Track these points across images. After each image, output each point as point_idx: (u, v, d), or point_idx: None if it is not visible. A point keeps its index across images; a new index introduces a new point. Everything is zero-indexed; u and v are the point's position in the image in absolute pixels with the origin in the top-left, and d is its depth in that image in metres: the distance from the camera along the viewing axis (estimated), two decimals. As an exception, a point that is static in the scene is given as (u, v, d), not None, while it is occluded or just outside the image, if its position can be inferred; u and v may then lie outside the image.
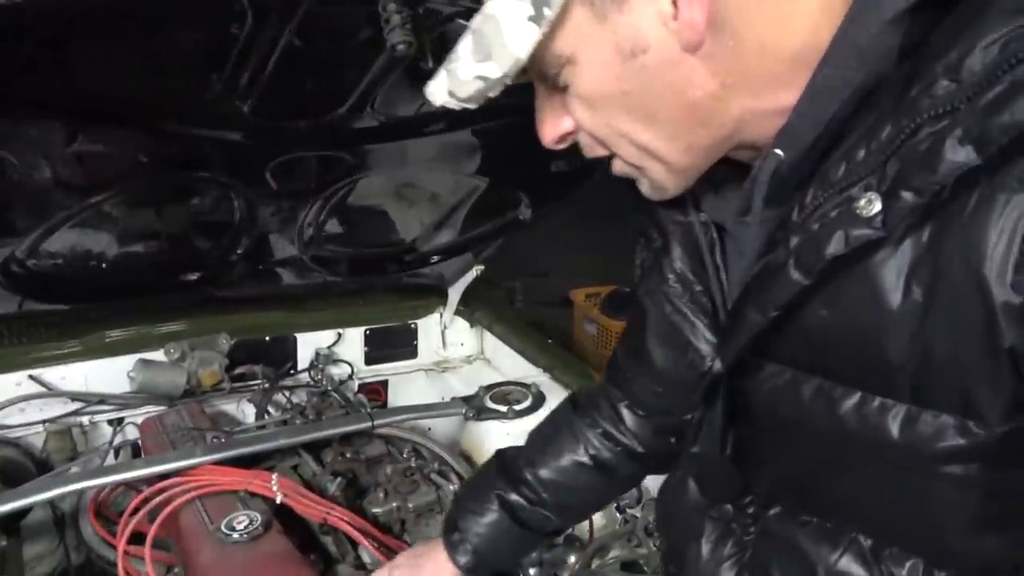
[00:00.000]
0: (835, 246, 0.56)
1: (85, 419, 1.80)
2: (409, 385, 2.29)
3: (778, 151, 0.61)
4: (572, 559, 1.62)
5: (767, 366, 0.69)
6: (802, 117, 0.60)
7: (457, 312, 2.29)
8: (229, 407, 1.93)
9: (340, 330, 2.13)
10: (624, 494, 1.23)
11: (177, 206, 1.51)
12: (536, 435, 1.18)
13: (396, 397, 2.29)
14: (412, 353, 2.27)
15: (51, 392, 1.76)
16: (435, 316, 2.29)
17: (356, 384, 2.18)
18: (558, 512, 1.12)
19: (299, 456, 1.69)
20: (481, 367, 2.30)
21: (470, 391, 1.96)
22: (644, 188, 0.72)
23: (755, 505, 0.77)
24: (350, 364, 2.15)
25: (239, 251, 1.72)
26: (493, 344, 2.27)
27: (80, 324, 1.83)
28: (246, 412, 1.92)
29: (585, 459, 1.09)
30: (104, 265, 1.56)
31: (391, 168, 1.64)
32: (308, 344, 2.09)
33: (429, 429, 2.03)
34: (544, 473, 1.11)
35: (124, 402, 1.83)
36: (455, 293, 2.25)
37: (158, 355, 1.88)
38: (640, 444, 1.07)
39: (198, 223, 1.58)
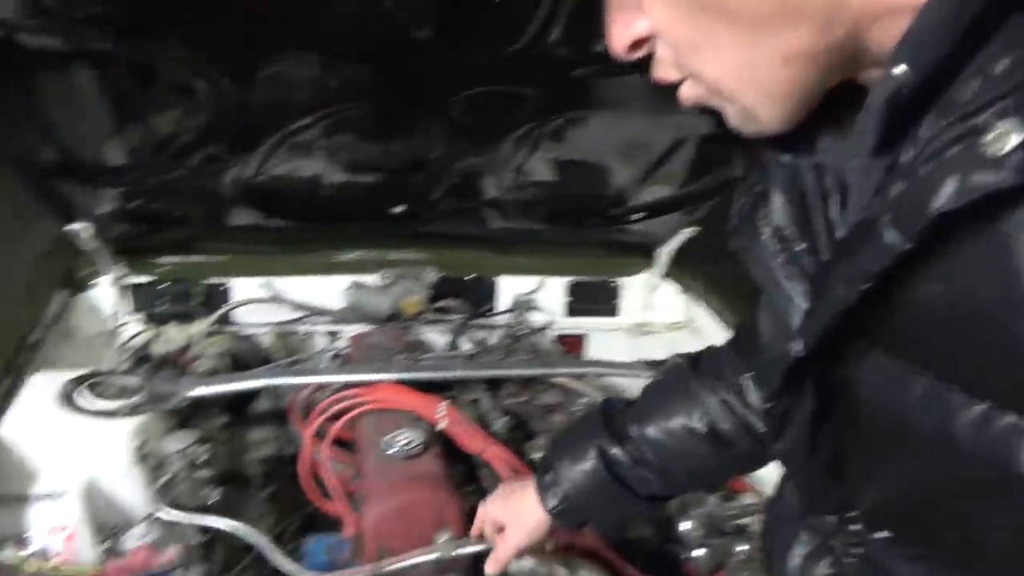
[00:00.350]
0: (944, 198, 0.41)
1: (304, 327, 2.00)
2: (609, 343, 2.25)
3: (897, 69, 0.45)
4: (740, 549, 1.50)
5: (870, 353, 0.54)
6: (931, 19, 0.44)
7: (668, 275, 2.19)
8: (426, 336, 2.03)
9: (541, 278, 2.13)
10: (749, 472, 1.09)
11: (377, 137, 1.59)
12: (650, 390, 1.10)
13: (595, 353, 2.26)
14: (612, 311, 2.22)
15: (280, 299, 1.98)
16: (641, 277, 2.21)
17: (554, 334, 2.18)
18: (662, 477, 1.04)
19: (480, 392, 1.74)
20: (687, 336, 2.19)
21: (672, 359, 1.87)
22: (732, 118, 0.57)
23: (861, 523, 0.62)
24: (548, 312, 2.16)
25: (442, 188, 1.77)
26: (704, 314, 2.14)
27: (311, 242, 2.03)
28: (440, 343, 2.01)
29: (699, 426, 0.99)
30: (320, 190, 1.70)
31: (592, 110, 1.58)
32: (509, 288, 2.13)
33: (624, 391, 1.98)
34: (651, 432, 1.02)
35: (338, 317, 2.01)
36: (664, 255, 2.15)
37: (372, 279, 2.03)
38: (762, 423, 0.94)
39: (399, 156, 1.65)
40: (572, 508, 1.09)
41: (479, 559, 1.34)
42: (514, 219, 1.98)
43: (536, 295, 2.15)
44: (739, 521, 1.57)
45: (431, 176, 1.78)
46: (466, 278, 2.11)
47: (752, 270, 0.65)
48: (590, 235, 2.14)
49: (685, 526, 1.51)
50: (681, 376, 1.05)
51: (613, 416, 1.08)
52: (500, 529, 1.19)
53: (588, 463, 1.06)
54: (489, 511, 1.20)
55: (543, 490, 1.11)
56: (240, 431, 1.82)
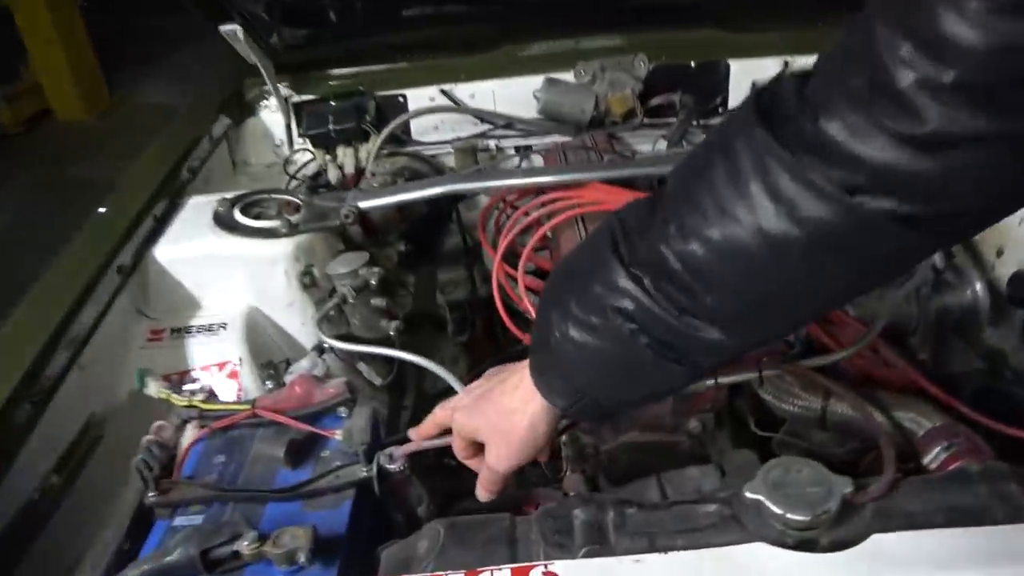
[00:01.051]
0: None
1: (492, 143, 1.67)
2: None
3: None
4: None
5: None
6: None
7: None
8: (642, 145, 1.62)
9: (788, 58, 1.62)
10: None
11: None
12: (683, 173, 0.62)
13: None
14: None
15: (458, 108, 1.65)
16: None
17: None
18: (728, 326, 0.60)
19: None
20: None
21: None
22: None
23: None
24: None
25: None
26: None
27: (493, 38, 1.67)
28: (659, 150, 1.59)
29: (781, 225, 0.53)
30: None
31: None
32: (745, 73, 1.63)
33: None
34: (697, 251, 0.57)
35: (530, 128, 1.65)
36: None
37: (568, 76, 1.63)
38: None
39: None
40: (593, 405, 0.70)
41: (735, 391, 0.97)
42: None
43: (783, 81, 1.64)
44: None
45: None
46: (690, 64, 1.64)
47: None
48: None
49: (1041, 360, 1.05)
50: (743, 133, 0.56)
51: (631, 237, 0.63)
52: (475, 446, 0.82)
53: (608, 336, 0.64)
54: (458, 424, 0.81)
55: (542, 381, 0.72)
56: (429, 271, 1.57)
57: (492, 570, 0.67)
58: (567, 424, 0.90)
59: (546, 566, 0.66)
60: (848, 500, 0.69)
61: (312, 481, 0.85)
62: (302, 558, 0.73)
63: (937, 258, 1.14)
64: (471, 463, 0.85)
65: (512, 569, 0.67)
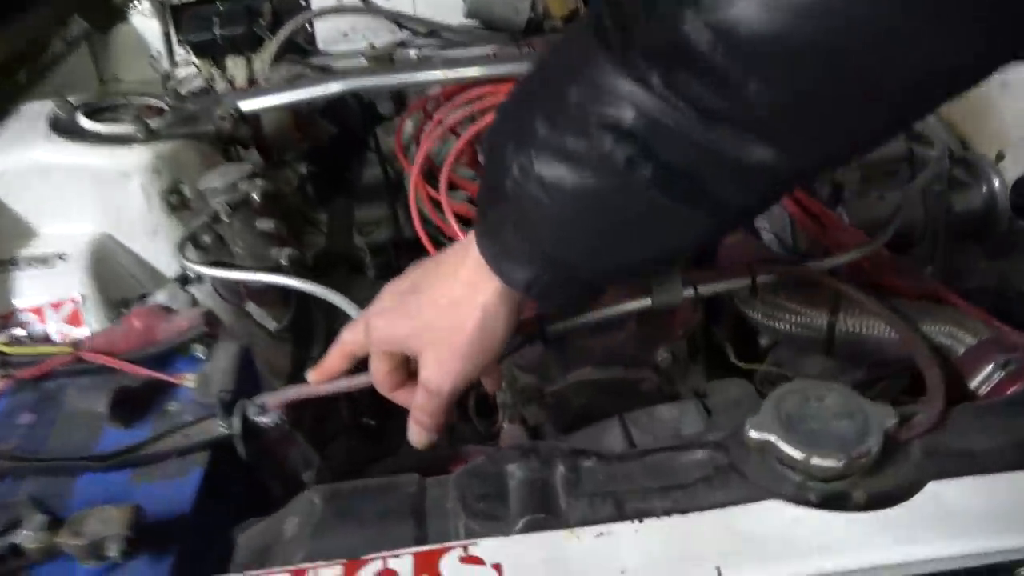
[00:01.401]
0: None
1: (412, 52, 1.43)
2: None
3: None
4: None
5: None
6: None
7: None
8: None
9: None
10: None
11: None
12: None
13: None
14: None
15: (370, 9, 1.40)
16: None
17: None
18: (782, 133, 0.39)
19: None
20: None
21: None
22: None
23: None
24: None
25: None
26: None
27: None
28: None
29: None
30: None
31: None
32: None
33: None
34: (742, 14, 0.35)
35: (456, 37, 1.42)
36: None
37: (500, -27, 1.40)
38: None
39: None
40: (569, 278, 0.50)
41: (713, 311, 0.77)
42: None
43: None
44: None
45: None
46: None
47: None
48: None
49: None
50: None
51: (628, 15, 0.41)
52: (403, 369, 0.61)
53: (592, 166, 0.43)
54: (378, 337, 0.59)
55: (495, 249, 0.51)
56: (344, 206, 1.33)
57: (386, 557, 0.45)
58: (506, 352, 0.68)
59: (466, 548, 0.45)
60: (892, 437, 0.49)
61: (147, 443, 0.62)
62: (113, 551, 0.50)
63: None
64: (399, 397, 0.62)
65: (416, 555, 0.45)
